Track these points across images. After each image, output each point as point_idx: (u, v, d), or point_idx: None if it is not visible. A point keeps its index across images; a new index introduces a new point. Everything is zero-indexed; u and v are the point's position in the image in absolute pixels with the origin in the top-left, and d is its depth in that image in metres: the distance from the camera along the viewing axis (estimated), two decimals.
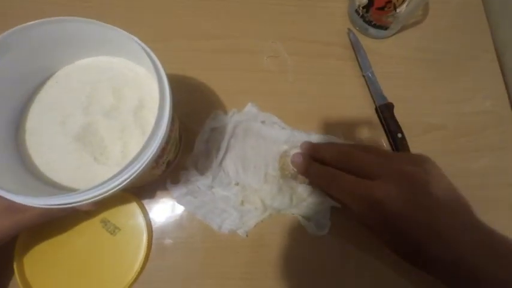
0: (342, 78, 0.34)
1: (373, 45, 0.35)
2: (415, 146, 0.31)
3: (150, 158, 0.17)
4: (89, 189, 0.16)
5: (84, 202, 0.17)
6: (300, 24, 0.35)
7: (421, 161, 0.23)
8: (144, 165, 0.17)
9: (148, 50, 0.18)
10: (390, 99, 0.32)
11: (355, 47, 0.34)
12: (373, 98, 0.33)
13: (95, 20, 0.18)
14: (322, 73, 0.34)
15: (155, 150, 0.17)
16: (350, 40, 0.34)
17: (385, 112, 0.31)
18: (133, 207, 0.27)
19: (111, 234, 0.26)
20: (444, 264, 0.19)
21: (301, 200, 0.28)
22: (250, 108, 0.31)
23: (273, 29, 0.35)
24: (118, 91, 0.21)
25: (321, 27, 0.35)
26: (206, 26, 0.34)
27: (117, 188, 0.17)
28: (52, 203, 0.16)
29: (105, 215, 0.27)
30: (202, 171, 0.28)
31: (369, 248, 0.28)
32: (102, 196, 0.17)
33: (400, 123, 0.31)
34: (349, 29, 0.35)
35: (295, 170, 0.27)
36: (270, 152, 0.29)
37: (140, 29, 0.33)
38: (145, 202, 0.28)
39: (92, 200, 0.17)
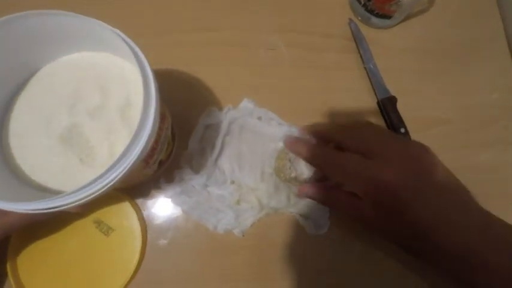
0: (342, 72, 0.32)
1: (376, 35, 0.33)
2: (419, 141, 0.30)
3: (135, 158, 0.16)
4: (74, 192, 0.16)
5: (70, 205, 0.16)
6: (298, 15, 0.34)
7: (422, 147, 0.22)
8: (129, 165, 0.16)
9: (131, 43, 0.17)
10: (393, 93, 0.31)
11: (357, 37, 0.32)
12: (375, 92, 0.31)
13: (75, 13, 0.17)
14: (321, 66, 0.32)
15: (140, 151, 0.16)
16: (351, 30, 0.33)
17: (388, 106, 0.30)
18: (127, 207, 0.26)
19: (105, 235, 0.26)
20: (451, 249, 0.18)
21: (299, 198, 0.27)
22: (245, 104, 0.29)
23: (269, 21, 0.33)
24: (104, 89, 0.20)
25: (321, 17, 0.34)
26: (199, 18, 0.33)
27: (103, 189, 0.17)
28: (36, 207, 0.15)
29: (98, 215, 0.26)
30: (197, 170, 0.28)
31: (369, 247, 0.27)
32: (88, 198, 0.16)
33: (403, 117, 0.30)
34: (350, 19, 0.33)
35: (291, 175, 0.26)
36: (266, 149, 0.28)
37: (129, 23, 0.31)
38: (139, 202, 0.27)
39: (78, 203, 0.16)
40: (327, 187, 0.24)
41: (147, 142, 0.16)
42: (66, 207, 0.16)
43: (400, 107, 0.30)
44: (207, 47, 0.32)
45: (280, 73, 0.32)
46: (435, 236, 0.18)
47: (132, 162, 0.16)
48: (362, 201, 0.21)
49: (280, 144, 0.27)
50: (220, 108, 0.30)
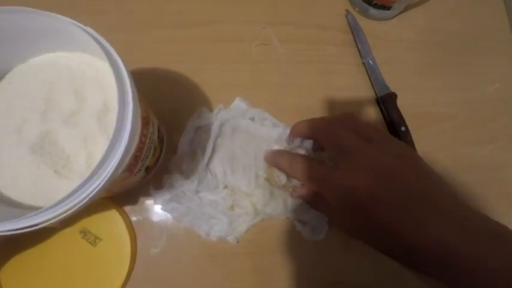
0: (339, 67, 0.31)
1: (375, 27, 0.31)
2: (421, 139, 0.28)
3: (114, 169, 0.15)
4: (51, 207, 0.14)
5: (47, 223, 0.15)
6: (293, 7, 0.32)
7: (403, 153, 0.20)
8: (108, 177, 0.15)
9: (103, 41, 0.15)
10: (393, 89, 0.29)
11: (354, 30, 0.31)
12: (373, 88, 0.30)
13: (43, 10, 0.15)
14: (317, 61, 0.31)
15: (119, 161, 0.15)
16: (348, 23, 0.31)
17: (387, 103, 0.29)
18: (114, 215, 0.25)
19: (92, 245, 0.25)
20: (425, 248, 0.17)
21: (296, 203, 0.26)
22: (238, 103, 0.28)
23: (261, 13, 0.31)
24: (79, 92, 0.18)
25: (316, 9, 0.32)
26: (186, 11, 0.31)
27: (83, 203, 0.15)
28: (10, 228, 0.14)
29: (84, 224, 0.25)
30: (187, 175, 0.26)
31: (367, 252, 0.26)
32: (67, 213, 0.15)
33: (403, 115, 0.28)
34: (347, 11, 0.31)
35: (281, 182, 0.24)
36: (259, 151, 0.26)
37: (113, 18, 0.30)
38: (127, 209, 0.26)
39: (56, 219, 0.15)
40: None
41: (125, 151, 0.15)
42: (43, 224, 0.15)
43: (400, 103, 0.29)
44: (196, 43, 0.30)
45: (274, 69, 0.30)
46: (407, 236, 0.17)
47: (110, 173, 0.15)
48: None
49: (274, 147, 0.26)
50: (211, 109, 0.28)
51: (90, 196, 0.14)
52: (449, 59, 0.32)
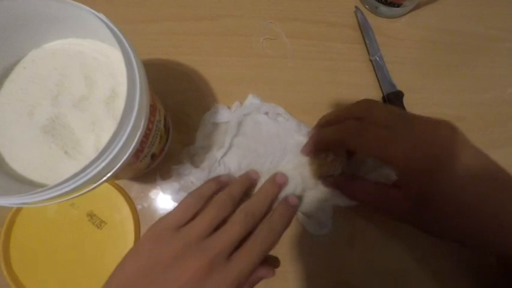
0: (346, 64, 0.31)
1: (384, 25, 0.31)
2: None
3: (127, 154, 0.15)
4: (56, 186, 0.15)
5: (57, 200, 0.15)
6: (301, 2, 0.32)
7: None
8: (122, 161, 0.15)
9: (115, 29, 0.16)
10: (400, 87, 0.29)
11: (363, 27, 0.30)
12: (380, 86, 0.29)
13: None
14: (324, 58, 0.31)
15: (129, 145, 0.15)
16: (357, 20, 0.31)
17: (394, 102, 0.28)
18: (120, 200, 0.26)
19: (98, 228, 0.25)
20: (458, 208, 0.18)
21: (306, 191, 0.25)
22: (252, 100, 0.28)
23: (270, 8, 0.31)
24: (89, 78, 0.19)
25: (325, 5, 0.32)
26: (195, 4, 0.31)
27: (94, 185, 0.16)
28: (17, 201, 0.15)
29: (92, 208, 0.26)
30: (197, 165, 0.27)
31: (373, 246, 0.26)
32: (74, 194, 0.16)
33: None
34: (356, 7, 0.31)
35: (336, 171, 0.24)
36: (284, 145, 0.26)
37: (122, 9, 0.31)
38: (133, 196, 0.27)
39: (64, 199, 0.15)
40: (352, 178, 0.23)
41: (130, 135, 0.15)
42: (53, 201, 0.15)
43: (407, 102, 0.29)
44: (205, 36, 0.31)
45: (282, 64, 0.30)
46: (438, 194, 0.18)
47: (125, 157, 0.15)
48: (394, 189, 0.20)
49: (299, 138, 0.26)
50: (215, 100, 0.29)
51: (103, 179, 0.15)
52: (460, 61, 0.31)
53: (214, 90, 0.29)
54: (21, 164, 0.17)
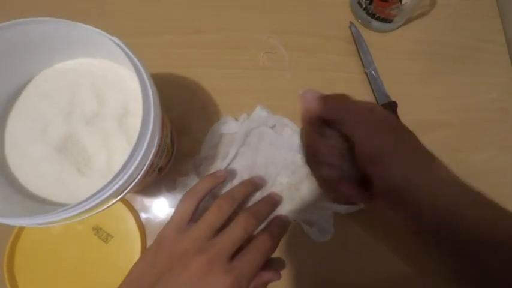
0: (342, 75, 0.32)
1: (376, 39, 0.33)
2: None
3: (143, 169, 0.16)
4: (77, 205, 0.15)
5: (74, 219, 0.16)
6: (298, 17, 0.33)
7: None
8: (140, 175, 0.16)
9: (128, 51, 0.16)
10: (393, 98, 0.30)
11: (357, 41, 0.32)
12: (375, 97, 0.31)
13: (72, 21, 0.17)
14: (321, 69, 0.32)
15: (145, 160, 0.16)
16: (352, 34, 0.33)
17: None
18: (126, 213, 0.26)
19: (104, 241, 0.26)
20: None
21: (305, 204, 0.27)
22: (259, 112, 0.29)
23: (269, 22, 0.33)
24: (100, 96, 0.19)
25: (321, 19, 0.33)
26: (197, 19, 0.32)
27: (111, 203, 0.16)
28: (42, 221, 0.15)
29: (97, 222, 0.26)
30: (202, 176, 0.27)
31: (372, 251, 0.27)
32: (93, 213, 0.16)
33: (404, 122, 0.30)
34: (351, 22, 0.33)
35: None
36: (283, 161, 0.27)
37: (125, 24, 0.32)
38: (138, 208, 0.27)
39: (84, 216, 0.16)
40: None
41: (145, 154, 0.16)
42: (73, 220, 0.16)
43: (401, 111, 0.30)
44: (206, 49, 0.31)
45: (280, 76, 0.31)
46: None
47: (140, 175, 0.16)
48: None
49: (298, 156, 0.27)
50: (218, 112, 0.29)
51: (118, 197, 0.15)
52: (447, 69, 0.33)
53: (217, 101, 0.30)
54: (34, 182, 0.18)
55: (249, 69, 0.31)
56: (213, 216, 0.20)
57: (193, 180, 0.26)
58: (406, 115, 0.30)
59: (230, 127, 0.28)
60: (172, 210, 0.27)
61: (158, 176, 0.25)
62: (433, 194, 0.16)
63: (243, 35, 0.32)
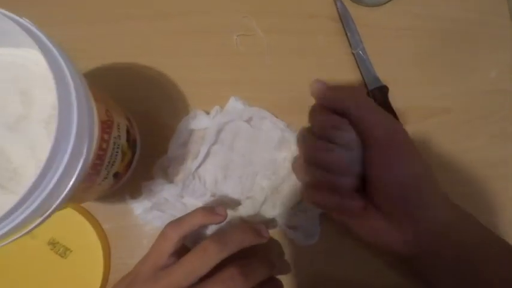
0: (327, 58, 0.28)
1: (366, 15, 0.29)
2: (415, 135, 0.27)
3: (71, 182, 0.13)
4: None
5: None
6: None
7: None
8: (66, 192, 0.13)
9: (36, 30, 0.13)
10: (385, 81, 0.27)
11: (343, 18, 0.28)
12: (364, 80, 0.28)
13: None
14: (303, 53, 0.28)
15: (72, 171, 0.13)
16: (337, 10, 0.29)
17: (378, 97, 0.27)
18: (85, 225, 0.23)
19: (62, 256, 0.23)
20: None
21: (285, 208, 0.24)
22: (234, 103, 0.26)
23: (243, 1, 0.29)
24: (26, 94, 0.16)
25: None
26: (160, 1, 0.28)
27: (35, 222, 0.14)
28: None
29: (53, 235, 0.23)
30: (171, 179, 0.24)
31: (361, 255, 0.24)
32: (17, 236, 0.13)
33: (395, 109, 0.26)
34: None
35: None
36: (261, 160, 0.24)
37: (78, 10, 0.28)
38: (100, 218, 0.24)
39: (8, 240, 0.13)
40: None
41: (70, 165, 0.13)
42: None
43: (392, 96, 0.27)
44: (172, 36, 0.28)
45: (259, 62, 0.28)
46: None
47: (68, 187, 0.13)
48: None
49: (281, 154, 0.24)
50: (188, 106, 0.26)
51: (48, 211, 0.12)
52: (445, 48, 0.30)
53: (187, 94, 0.27)
54: None
55: (222, 55, 0.28)
56: (195, 260, 0.17)
57: (158, 185, 0.23)
58: (397, 101, 0.27)
59: (200, 122, 0.25)
60: (137, 218, 0.24)
61: (117, 183, 0.22)
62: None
63: (215, 18, 0.28)
